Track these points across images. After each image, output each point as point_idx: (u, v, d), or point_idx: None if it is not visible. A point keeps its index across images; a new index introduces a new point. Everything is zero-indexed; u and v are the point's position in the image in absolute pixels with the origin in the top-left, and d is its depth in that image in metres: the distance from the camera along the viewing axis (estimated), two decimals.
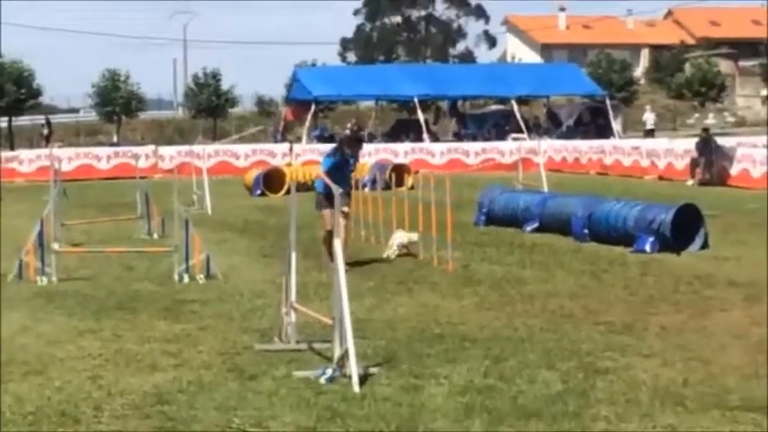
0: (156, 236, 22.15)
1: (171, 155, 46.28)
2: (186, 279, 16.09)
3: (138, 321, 12.97)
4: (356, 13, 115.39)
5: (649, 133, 62.08)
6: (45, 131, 65.10)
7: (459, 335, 11.90)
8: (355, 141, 18.15)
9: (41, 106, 72.03)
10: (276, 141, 57.00)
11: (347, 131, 64.35)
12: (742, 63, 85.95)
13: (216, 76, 72.04)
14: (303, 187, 26.68)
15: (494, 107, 66.63)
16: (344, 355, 9.83)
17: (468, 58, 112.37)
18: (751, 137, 49.59)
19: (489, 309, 13.60)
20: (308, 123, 58.65)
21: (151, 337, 11.98)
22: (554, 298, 14.25)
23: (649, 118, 64.23)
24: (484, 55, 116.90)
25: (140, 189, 23.50)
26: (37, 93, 68.75)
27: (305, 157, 46.62)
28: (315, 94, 58.43)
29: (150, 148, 49.31)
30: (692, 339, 11.57)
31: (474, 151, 49.25)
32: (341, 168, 16.81)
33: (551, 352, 10.92)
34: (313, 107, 58.96)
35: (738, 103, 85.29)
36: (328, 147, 49.66)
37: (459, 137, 59.49)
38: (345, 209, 16.37)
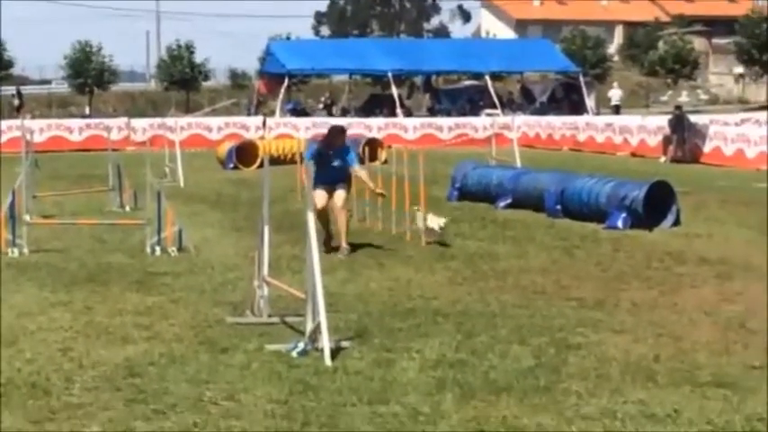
0: (128, 208, 22.08)
1: (143, 127, 46.08)
2: (158, 252, 16.05)
3: (109, 294, 12.93)
4: None
5: (615, 109, 62.17)
6: (15, 102, 64.71)
7: (432, 309, 11.92)
8: (334, 134, 16.51)
9: (13, 77, 71.60)
10: (250, 114, 56.88)
11: (320, 105, 64.44)
12: (716, 41, 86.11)
13: (189, 48, 71.77)
14: (276, 161, 26.66)
15: (467, 82, 66.53)
16: (317, 329, 9.83)
17: (442, 32, 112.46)
18: (723, 114, 49.71)
19: (462, 284, 13.62)
20: (281, 97, 58.49)
21: (123, 310, 11.95)
22: (526, 274, 14.28)
23: (615, 94, 64.23)
24: (458, 30, 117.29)
25: (112, 161, 23.40)
26: (8, 64, 68.35)
27: (278, 130, 46.55)
28: (288, 67, 58.24)
29: (122, 120, 49.09)
30: (663, 315, 11.62)
31: (447, 126, 49.28)
32: (323, 162, 16.03)
33: (523, 327, 10.95)
34: (286, 81, 58.78)
35: (711, 81, 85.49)
36: (301, 120, 50.02)
37: (433, 112, 59.44)
38: (339, 202, 16.16)
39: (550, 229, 18.71)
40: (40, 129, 43.88)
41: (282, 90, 58.54)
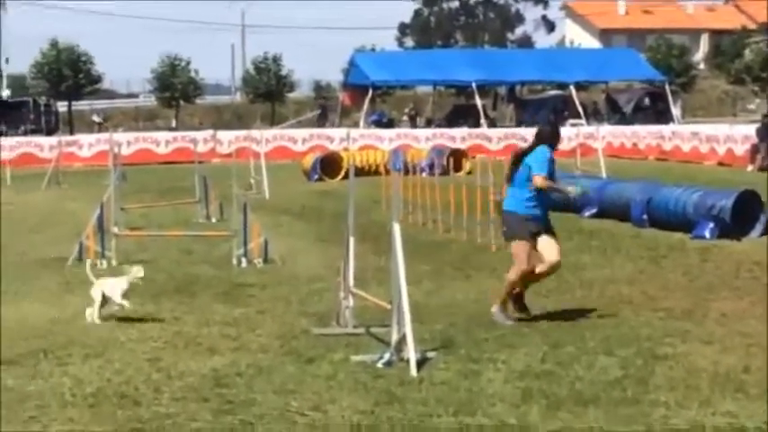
0: (214, 220, 22.28)
1: (229, 139, 46.43)
2: (244, 263, 16.17)
3: (196, 305, 13.05)
4: None
5: None
6: (97, 125, 65.51)
7: (517, 320, 11.87)
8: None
9: (101, 91, 72.56)
10: (334, 126, 57.14)
11: (404, 117, 64.56)
12: None
13: (276, 60, 72.26)
14: (360, 172, 26.73)
15: (552, 92, 66.33)
16: (402, 340, 9.83)
17: (526, 43, 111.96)
18: None
19: (547, 295, 13.54)
20: (365, 108, 58.68)
21: (210, 321, 12.05)
22: (613, 284, 14.18)
23: None
24: (542, 40, 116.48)
25: (199, 173, 23.63)
26: (96, 78, 69.29)
27: (362, 141, 46.68)
28: (372, 79, 58.41)
29: (208, 132, 49.54)
30: (753, 326, 11.46)
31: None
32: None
33: (610, 338, 10.86)
34: (370, 92, 58.95)
35: None
36: (385, 132, 50.10)
37: (520, 123, 59.25)
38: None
39: (637, 239, 18.57)
40: (128, 142, 44.46)
41: (366, 101, 58.72)
